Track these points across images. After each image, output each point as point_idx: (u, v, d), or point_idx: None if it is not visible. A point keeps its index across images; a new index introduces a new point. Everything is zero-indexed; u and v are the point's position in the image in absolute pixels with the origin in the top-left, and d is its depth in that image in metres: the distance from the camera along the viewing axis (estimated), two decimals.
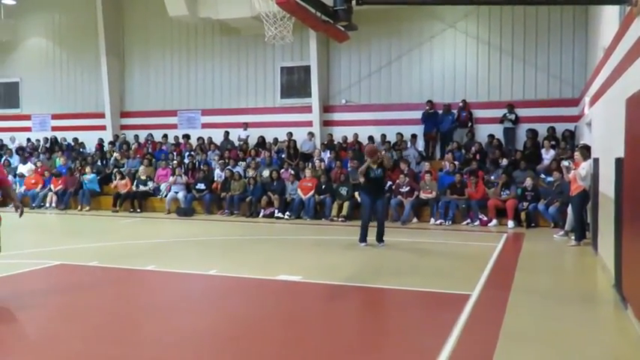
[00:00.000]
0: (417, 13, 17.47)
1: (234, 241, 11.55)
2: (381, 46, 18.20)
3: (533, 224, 13.24)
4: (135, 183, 17.45)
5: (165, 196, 16.90)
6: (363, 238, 10.62)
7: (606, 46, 9.04)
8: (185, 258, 9.53)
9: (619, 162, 6.52)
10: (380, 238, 10.62)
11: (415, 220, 14.38)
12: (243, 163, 17.40)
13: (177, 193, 16.67)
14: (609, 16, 9.35)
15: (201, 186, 16.62)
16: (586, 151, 10.68)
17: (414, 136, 17.14)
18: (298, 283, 7.49)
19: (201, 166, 17.49)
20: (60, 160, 19.50)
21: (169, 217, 15.95)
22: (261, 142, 18.71)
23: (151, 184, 17.44)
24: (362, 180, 10.80)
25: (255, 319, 5.87)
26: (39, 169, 18.90)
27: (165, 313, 6.15)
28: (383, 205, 10.82)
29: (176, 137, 19.95)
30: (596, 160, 9.73)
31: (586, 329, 5.56)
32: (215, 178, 17.13)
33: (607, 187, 7.82)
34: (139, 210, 16.81)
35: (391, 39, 18.06)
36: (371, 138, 17.43)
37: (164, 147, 19.69)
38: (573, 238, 10.71)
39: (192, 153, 18.67)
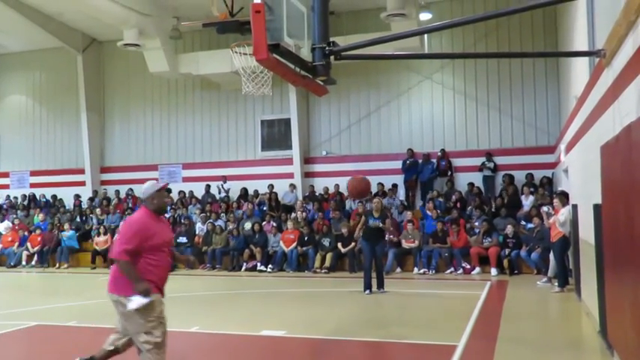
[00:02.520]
0: (394, 66, 17.87)
1: (216, 296, 11.37)
2: (360, 98, 18.51)
3: (516, 271, 13.26)
4: (115, 238, 17.22)
5: None
6: (367, 286, 10.68)
7: (578, 95, 9.29)
8: (166, 315, 9.31)
9: (597, 208, 6.61)
10: (381, 284, 10.68)
11: (398, 269, 14.33)
12: (224, 216, 17.30)
13: None
14: (580, 67, 9.65)
15: (182, 239, 16.45)
16: (564, 197, 10.83)
17: (394, 186, 17.25)
18: (282, 338, 7.35)
19: (183, 220, 17.36)
20: (38, 217, 19.23)
21: None
22: (243, 195, 18.68)
23: None
24: (357, 234, 10.99)
25: None
26: (16, 227, 18.60)
27: None
28: (382, 252, 10.93)
29: None
30: (574, 207, 9.85)
31: None
32: (197, 232, 16.99)
33: (587, 233, 7.90)
34: None
35: (370, 91, 18.40)
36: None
37: None
38: (556, 284, 10.72)
39: (174, 207, 18.55)
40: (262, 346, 7.10)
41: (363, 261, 11.15)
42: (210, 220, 16.86)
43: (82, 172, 20.81)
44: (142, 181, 20.02)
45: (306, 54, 5.78)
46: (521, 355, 6.32)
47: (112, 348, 4.96)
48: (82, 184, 20.78)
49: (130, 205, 19.46)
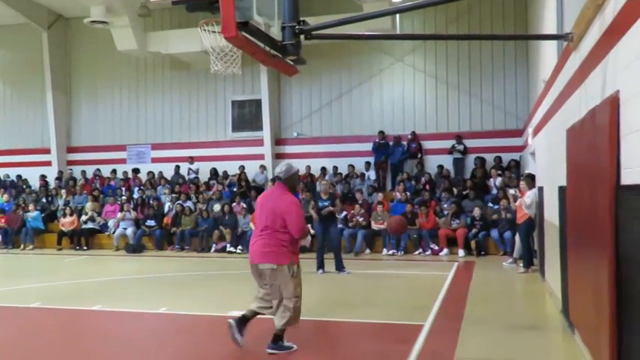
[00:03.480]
0: (366, 47, 17.83)
1: (185, 278, 11.30)
2: (331, 79, 18.45)
3: (483, 252, 13.47)
4: (82, 220, 16.94)
5: (114, 232, 16.46)
6: (320, 266, 10.89)
7: (546, 79, 9.40)
8: (134, 296, 9.25)
9: (562, 190, 6.72)
10: (340, 266, 10.86)
11: (368, 250, 14.44)
12: (194, 197, 17.17)
13: (125, 229, 16.27)
14: (548, 51, 9.75)
15: (151, 222, 16.29)
16: (530, 180, 11.00)
17: (367, 165, 17.34)
18: None
19: (151, 202, 17.17)
20: (3, 198, 18.82)
21: (117, 255, 15.52)
22: (213, 176, 18.54)
23: (98, 220, 16.99)
24: (311, 213, 11.17)
25: (205, 358, 5.70)
26: None
27: (111, 355, 5.92)
28: (336, 233, 11.08)
29: (125, 172, 19.56)
30: (540, 189, 10.01)
31: (537, 356, 5.63)
32: (165, 213, 16.83)
33: (552, 214, 8.04)
34: (85, 247, 16.31)
35: (341, 72, 18.35)
36: (323, 169, 17.55)
37: (112, 182, 19.28)
38: (522, 265, 10.92)
39: (142, 188, 18.32)
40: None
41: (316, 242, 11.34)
42: (180, 202, 16.71)
43: (47, 151, 20.39)
44: (110, 162, 19.65)
45: (276, 33, 5.70)
46: (486, 334, 6.43)
47: (257, 310, 5.86)
48: (48, 164, 20.38)
49: (98, 185, 19.18)
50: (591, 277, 4.65)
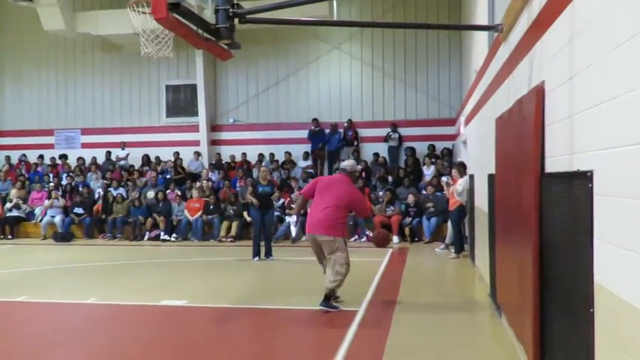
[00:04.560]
0: (303, 33, 17.76)
1: (116, 267, 10.99)
2: (268, 65, 18.29)
3: (416, 239, 13.75)
4: (5, 207, 16.18)
5: (41, 220, 15.82)
6: (256, 254, 10.90)
7: (478, 69, 9.63)
8: (61, 286, 8.93)
9: (491, 178, 6.91)
10: (269, 252, 10.96)
11: (304, 237, 14.43)
12: (126, 185, 16.70)
13: (53, 217, 15.68)
14: (480, 41, 9.98)
15: (80, 210, 15.75)
16: (462, 168, 11.27)
17: (306, 155, 17.37)
18: (183, 308, 7.23)
19: (81, 189, 16.59)
20: None
21: (45, 243, 14.94)
22: (146, 162, 18.08)
23: (24, 208, 16.27)
24: (250, 199, 10.92)
25: (136, 348, 5.57)
26: None
27: (37, 348, 5.69)
28: (271, 220, 11.09)
29: (53, 158, 18.81)
30: (471, 177, 10.28)
31: (466, 339, 5.79)
32: (96, 200, 16.31)
33: (482, 201, 8.27)
34: (10, 237, 15.61)
35: (278, 59, 18.21)
36: (260, 156, 17.45)
37: (39, 168, 18.50)
38: (453, 250, 11.21)
39: (71, 174, 17.67)
40: (161, 316, 6.95)
41: (252, 229, 11.31)
42: (111, 189, 16.22)
43: None
44: (36, 147, 18.85)
45: (209, 15, 5.58)
46: (418, 318, 6.57)
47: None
48: None
49: (23, 171, 18.36)
50: (516, 262, 4.81)
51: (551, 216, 3.81)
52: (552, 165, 3.86)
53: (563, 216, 3.51)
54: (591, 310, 2.91)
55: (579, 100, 3.23)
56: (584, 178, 3.03)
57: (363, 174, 16.03)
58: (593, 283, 2.91)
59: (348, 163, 7.31)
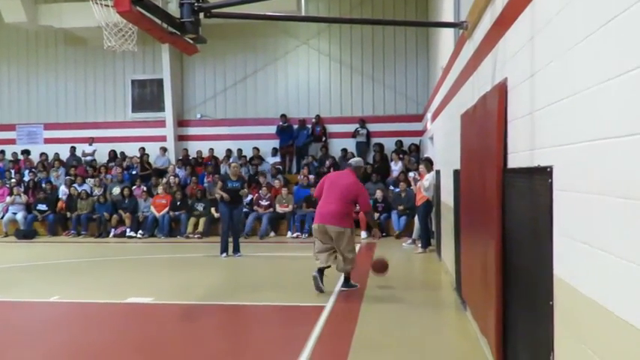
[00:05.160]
0: (271, 29, 17.69)
1: (80, 264, 10.80)
2: (236, 61, 18.17)
3: (384, 234, 13.83)
4: None
5: (2, 217, 15.45)
6: (224, 250, 10.81)
7: (444, 66, 9.73)
8: (23, 284, 8.73)
9: (456, 173, 7.00)
10: (237, 248, 10.89)
11: (273, 234, 14.44)
12: (91, 181, 16.41)
13: (15, 213, 15.33)
14: (446, 38, 10.08)
15: (42, 206, 15.43)
16: (429, 163, 11.39)
17: (274, 151, 17.32)
18: (149, 305, 7.15)
19: (44, 185, 16.25)
20: None
21: (6, 241, 14.61)
22: (112, 158, 17.80)
23: None
24: (219, 193, 10.84)
25: (100, 347, 5.49)
26: None
27: None
28: (239, 216, 11.04)
29: (14, 154, 18.37)
30: (438, 172, 10.39)
31: (431, 332, 5.86)
32: (60, 197, 15.99)
33: (447, 197, 8.37)
34: None
35: (246, 54, 18.11)
36: (228, 152, 17.34)
37: (0, 164, 18.05)
38: (420, 245, 11.32)
39: (34, 170, 17.29)
40: (126, 314, 6.86)
41: (221, 225, 11.24)
42: (75, 185, 15.93)
43: None
44: None
45: (174, 9, 5.51)
46: (385, 312, 6.62)
47: (330, 263, 7.60)
48: None
49: None
50: (480, 256, 4.88)
51: (513, 211, 3.88)
52: (514, 160, 3.93)
53: (524, 211, 3.58)
54: (551, 302, 2.98)
55: (540, 97, 3.28)
56: (544, 174, 3.09)
57: (332, 169, 16.05)
58: (552, 277, 2.97)
59: (354, 160, 8.33)
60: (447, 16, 9.61)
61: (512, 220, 3.91)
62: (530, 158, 3.48)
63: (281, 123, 17.35)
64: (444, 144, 9.49)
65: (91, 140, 18.11)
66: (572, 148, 2.71)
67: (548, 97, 3.11)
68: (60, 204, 15.68)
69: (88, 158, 17.89)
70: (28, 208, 15.58)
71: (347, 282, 7.83)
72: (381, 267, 8.07)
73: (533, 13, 3.45)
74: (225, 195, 10.77)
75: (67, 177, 16.53)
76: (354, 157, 16.66)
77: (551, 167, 3.01)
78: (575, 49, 2.66)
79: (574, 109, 2.69)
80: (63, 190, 16.11)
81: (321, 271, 7.55)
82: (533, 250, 3.35)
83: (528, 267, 3.49)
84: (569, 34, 2.74)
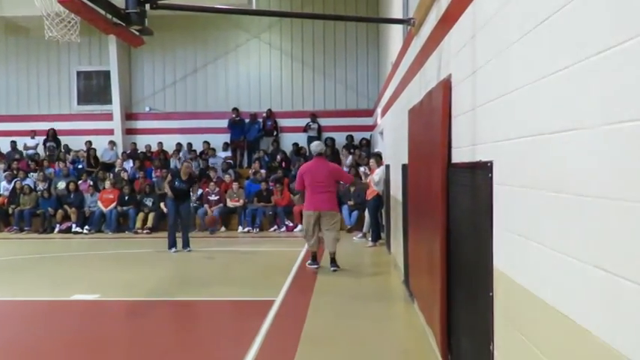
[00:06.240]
0: (222, 22, 17.49)
1: (22, 261, 10.48)
2: (186, 53, 17.91)
3: None
4: None
5: None
6: (172, 244, 10.75)
7: (393, 62, 9.83)
8: None
9: (405, 168, 7.11)
10: (186, 243, 10.83)
11: (223, 228, 14.33)
12: (34, 175, 15.91)
13: None
14: (396, 34, 10.20)
15: None
16: (379, 157, 11.52)
17: (225, 146, 17.17)
18: (95, 302, 7.00)
19: None
20: None
21: None
22: (53, 150, 17.29)
23: None
24: (166, 188, 10.73)
25: (43, 346, 5.34)
26: None
27: None
28: (187, 211, 10.93)
29: None
30: (387, 167, 10.52)
31: (379, 324, 5.94)
32: (1, 192, 15.45)
33: (397, 191, 8.49)
34: None
35: (197, 47, 17.86)
36: (178, 146, 17.10)
37: None
38: (370, 239, 11.45)
39: None
40: (71, 311, 6.70)
41: (168, 220, 11.15)
42: (17, 179, 15.42)
43: None
44: None
45: (118, 0, 5.38)
46: (334, 305, 6.67)
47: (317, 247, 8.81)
48: None
49: None
50: (426, 249, 4.98)
51: (457, 205, 3.97)
52: (458, 155, 4.02)
53: (467, 205, 3.67)
54: (491, 294, 3.07)
55: (481, 93, 3.37)
56: (484, 168, 3.17)
57: (283, 164, 16.06)
58: (492, 269, 3.06)
59: (315, 145, 8.88)
60: (397, 12, 9.72)
61: (456, 213, 4.01)
62: (472, 153, 3.57)
63: (233, 117, 17.22)
64: (392, 139, 9.61)
65: (33, 134, 17.53)
66: (510, 143, 2.80)
67: (488, 94, 3.20)
68: (1, 199, 15.15)
69: (30, 152, 17.33)
70: None
71: (334, 262, 8.67)
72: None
73: (474, 12, 3.53)
74: (169, 192, 10.71)
75: (7, 171, 15.97)
76: (305, 151, 16.77)
77: (491, 162, 3.09)
78: (512, 47, 2.74)
79: (512, 106, 2.77)
80: (4, 186, 15.57)
81: (314, 258, 8.77)
82: (476, 242, 3.44)
83: (471, 259, 3.58)
84: (506, 33, 2.82)
